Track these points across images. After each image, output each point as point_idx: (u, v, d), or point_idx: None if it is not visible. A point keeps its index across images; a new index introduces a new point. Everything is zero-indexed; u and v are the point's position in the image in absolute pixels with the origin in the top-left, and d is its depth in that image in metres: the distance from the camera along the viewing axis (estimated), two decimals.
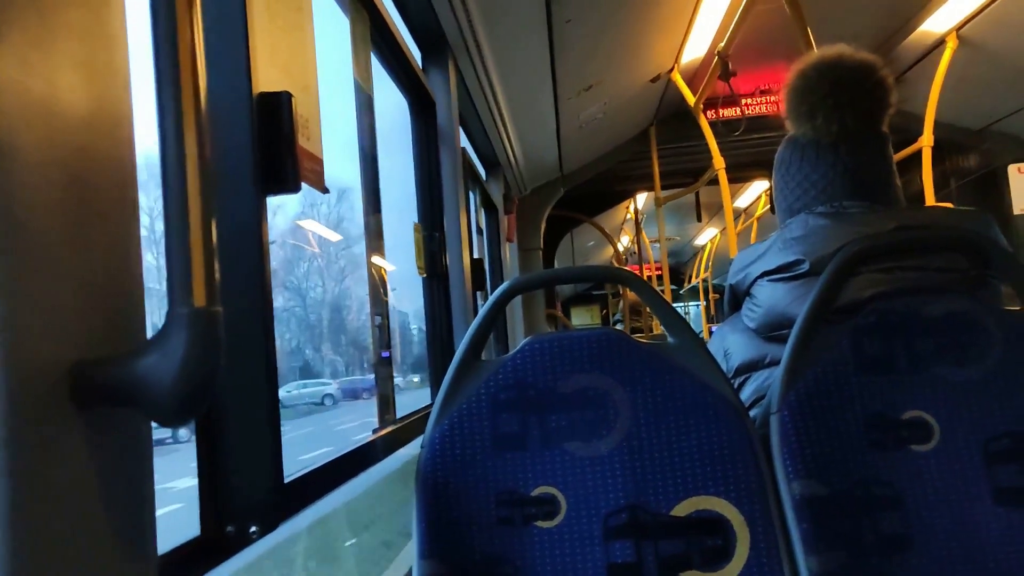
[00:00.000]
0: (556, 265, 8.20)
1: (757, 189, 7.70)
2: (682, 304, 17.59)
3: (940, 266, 1.20)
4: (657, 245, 13.03)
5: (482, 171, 4.08)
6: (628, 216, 8.83)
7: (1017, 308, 1.13)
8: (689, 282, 14.13)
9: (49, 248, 0.50)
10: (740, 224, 9.04)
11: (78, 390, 0.51)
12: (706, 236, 11.83)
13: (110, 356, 0.53)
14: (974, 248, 1.19)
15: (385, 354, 1.86)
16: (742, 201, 8.44)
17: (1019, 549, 1.02)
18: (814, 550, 1.02)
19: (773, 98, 5.04)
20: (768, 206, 6.88)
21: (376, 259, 1.79)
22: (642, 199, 7.61)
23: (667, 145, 5.54)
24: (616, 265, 9.64)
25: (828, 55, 1.34)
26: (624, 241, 10.98)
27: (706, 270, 11.12)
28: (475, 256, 2.93)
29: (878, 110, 1.34)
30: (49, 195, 0.51)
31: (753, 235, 8.98)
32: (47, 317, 0.50)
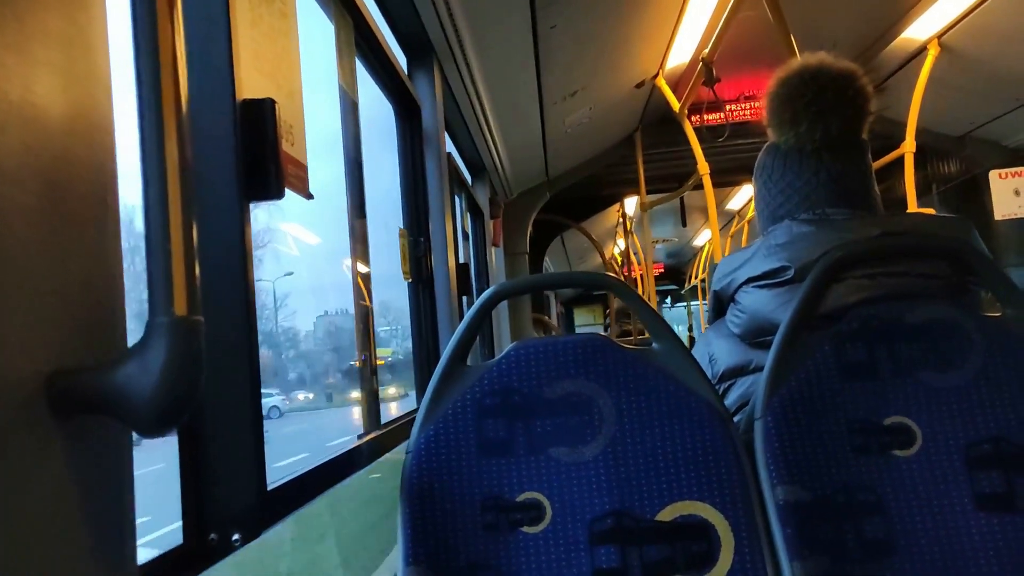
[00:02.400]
0: (550, 268, 8.19)
1: (749, 192, 7.73)
2: (684, 303, 17.64)
3: (923, 272, 1.21)
4: (658, 246, 13.06)
5: (468, 176, 4.08)
6: (622, 220, 8.86)
7: (998, 315, 1.15)
8: (689, 282, 14.20)
9: (25, 257, 0.50)
10: (734, 226, 9.09)
11: (57, 399, 0.51)
12: (704, 237, 11.86)
13: (89, 365, 0.53)
14: (956, 255, 1.21)
15: (362, 357, 1.86)
16: (735, 203, 8.49)
17: (1000, 554, 1.03)
18: (798, 555, 1.03)
19: (757, 104, 5.06)
20: None
21: (360, 265, 1.79)
22: (632, 203, 7.63)
23: (652, 150, 5.55)
24: (607, 270, 9.65)
25: (810, 63, 1.35)
26: (621, 244, 11.00)
27: (704, 271, 11.15)
28: (461, 261, 2.92)
29: (859, 117, 1.35)
30: (25, 202, 0.50)
31: (744, 237, 9.03)
32: (24, 326, 0.49)
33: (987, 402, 1.09)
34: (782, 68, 1.38)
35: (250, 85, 0.90)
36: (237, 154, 0.86)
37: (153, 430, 0.52)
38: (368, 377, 1.78)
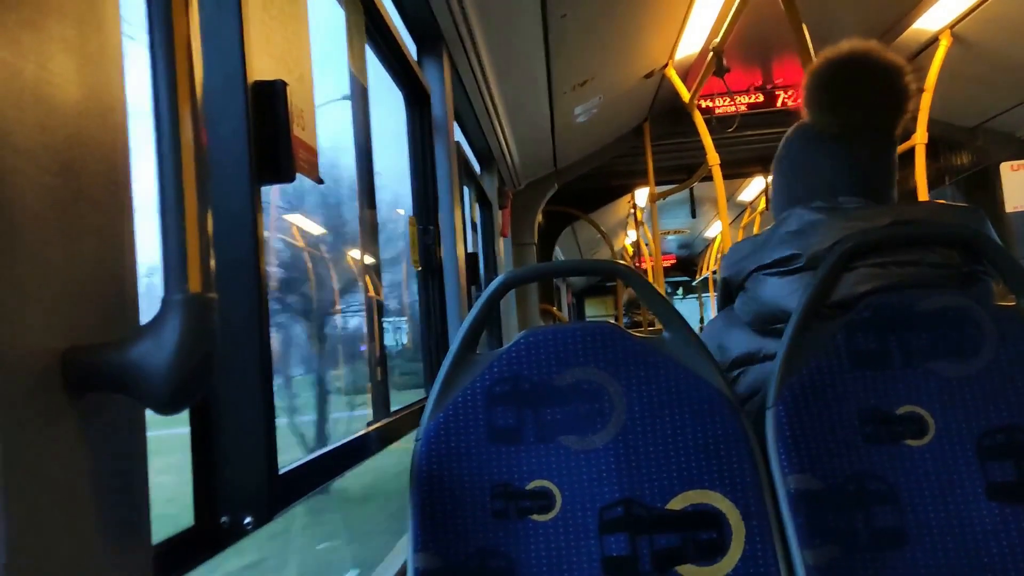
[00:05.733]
0: (561, 259, 8.17)
1: (760, 184, 7.69)
2: (695, 296, 17.62)
3: (935, 262, 1.20)
4: (670, 237, 13.03)
5: (476, 165, 4.07)
6: (632, 210, 8.85)
7: (1012, 304, 1.14)
8: (700, 274, 14.18)
9: (40, 235, 0.50)
10: (746, 217, 9.07)
11: (71, 376, 0.51)
12: (716, 228, 11.82)
13: (104, 342, 0.53)
14: (969, 243, 1.20)
15: (362, 347, 1.86)
16: (746, 195, 8.46)
17: (1012, 544, 1.03)
18: (809, 544, 1.03)
19: (766, 94, 5.03)
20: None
21: (367, 257, 1.78)
22: (642, 194, 7.61)
23: (662, 141, 5.54)
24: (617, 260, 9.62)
25: (858, 49, 1.32)
26: (632, 236, 11.00)
27: (716, 263, 11.12)
28: (470, 251, 2.92)
29: (900, 113, 1.33)
30: (40, 181, 0.50)
31: (756, 229, 9.01)
32: (37, 303, 0.49)
33: (1000, 392, 1.09)
34: (831, 50, 1.34)
35: (261, 67, 0.89)
36: (249, 136, 0.86)
37: (167, 407, 0.52)
38: (376, 366, 1.78)
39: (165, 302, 0.51)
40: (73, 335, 0.52)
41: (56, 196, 0.52)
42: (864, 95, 1.30)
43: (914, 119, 4.25)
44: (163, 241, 0.51)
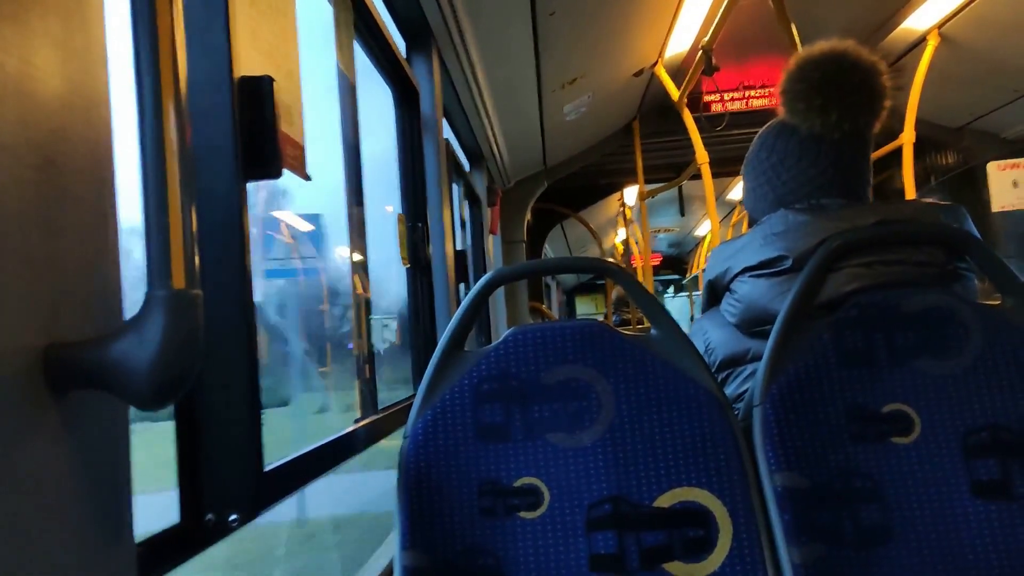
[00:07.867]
0: (550, 256, 8.17)
1: None
2: (685, 293, 17.66)
3: (920, 260, 1.21)
4: (660, 235, 13.04)
5: (466, 163, 4.06)
6: (621, 208, 8.86)
7: (996, 303, 1.15)
8: (691, 271, 14.22)
9: (21, 230, 0.49)
10: (735, 216, 9.08)
11: (53, 373, 0.50)
12: (706, 227, 11.85)
13: (86, 339, 0.52)
14: (953, 242, 1.21)
15: (349, 346, 1.86)
16: (735, 193, 8.47)
17: (996, 541, 1.04)
18: (795, 541, 1.03)
19: (755, 93, 5.04)
20: None
21: (356, 255, 1.78)
22: (632, 193, 7.61)
23: (651, 139, 5.54)
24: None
25: (836, 49, 1.32)
26: (621, 234, 11.02)
27: (705, 261, 11.09)
28: (458, 248, 2.91)
29: (875, 113, 1.35)
30: (21, 176, 0.50)
31: (745, 227, 9.02)
32: (18, 299, 0.49)
33: (984, 390, 1.10)
34: (807, 49, 1.34)
35: (248, 63, 0.89)
36: (235, 132, 0.85)
37: (150, 404, 0.52)
38: (363, 364, 1.78)
39: (148, 298, 0.51)
40: (55, 332, 0.51)
41: (38, 191, 0.51)
42: (841, 94, 1.31)
43: (898, 118, 4.27)
44: (146, 237, 0.51)
